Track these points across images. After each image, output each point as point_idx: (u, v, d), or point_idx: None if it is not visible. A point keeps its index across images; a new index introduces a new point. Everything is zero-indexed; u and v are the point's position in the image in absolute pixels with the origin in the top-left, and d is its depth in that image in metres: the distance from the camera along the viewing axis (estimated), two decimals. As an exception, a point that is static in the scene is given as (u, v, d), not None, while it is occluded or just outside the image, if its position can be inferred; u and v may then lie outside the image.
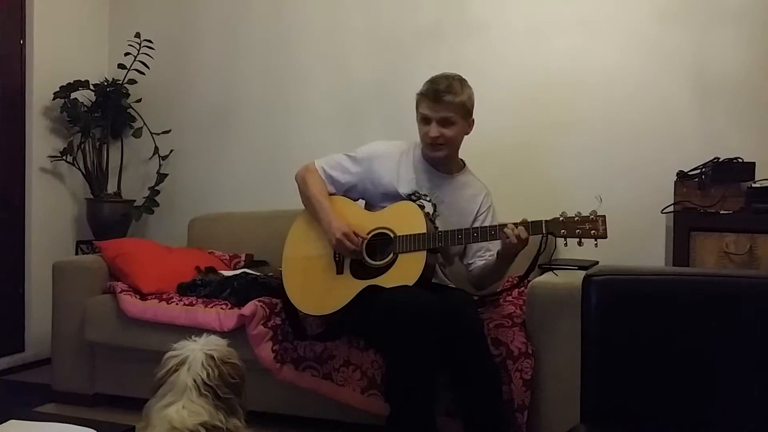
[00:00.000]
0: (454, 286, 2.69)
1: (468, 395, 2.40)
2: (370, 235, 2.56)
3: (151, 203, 3.88)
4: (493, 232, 2.41)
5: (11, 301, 3.70)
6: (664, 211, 2.94)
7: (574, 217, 2.33)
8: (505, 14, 3.44)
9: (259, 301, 2.79)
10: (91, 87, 3.85)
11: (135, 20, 4.03)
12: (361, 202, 2.79)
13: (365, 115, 3.66)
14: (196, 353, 1.94)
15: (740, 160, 2.87)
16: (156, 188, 3.90)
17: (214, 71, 3.96)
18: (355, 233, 2.53)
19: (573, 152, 3.33)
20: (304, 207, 2.77)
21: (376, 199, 2.72)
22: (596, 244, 2.31)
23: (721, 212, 2.79)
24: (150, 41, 3.80)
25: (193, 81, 3.99)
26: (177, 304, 2.93)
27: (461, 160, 2.78)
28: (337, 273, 2.58)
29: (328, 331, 2.66)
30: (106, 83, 3.88)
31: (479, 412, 2.38)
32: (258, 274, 3.10)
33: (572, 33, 3.34)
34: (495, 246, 2.50)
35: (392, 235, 2.52)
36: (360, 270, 2.55)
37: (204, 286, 3.03)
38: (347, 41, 3.70)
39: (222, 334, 2.46)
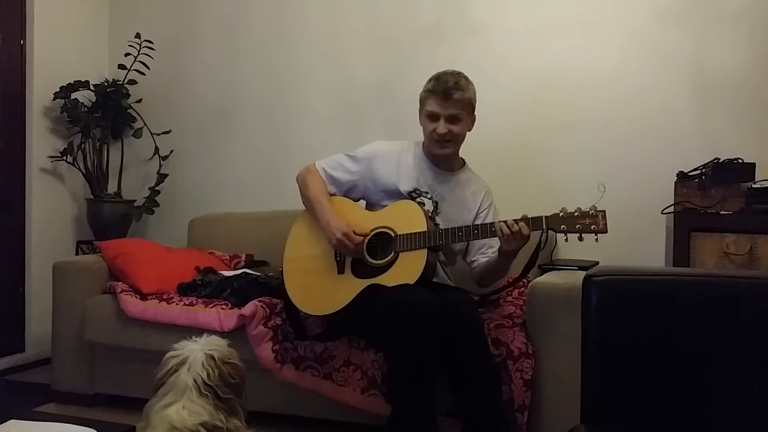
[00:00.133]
0: (455, 285, 2.70)
1: (468, 395, 2.40)
2: (371, 234, 2.56)
3: (151, 203, 3.88)
4: (494, 228, 2.41)
5: (11, 301, 3.70)
6: (664, 212, 2.94)
7: (574, 213, 2.34)
8: (504, 15, 3.44)
9: (259, 301, 2.79)
10: (92, 87, 3.85)
11: (135, 20, 4.03)
12: (362, 203, 2.79)
13: (365, 115, 3.66)
14: (196, 353, 1.94)
15: (740, 161, 2.87)
16: (156, 188, 3.90)
17: (214, 71, 3.96)
18: (355, 232, 2.54)
19: (573, 153, 3.33)
20: (304, 208, 2.77)
21: (377, 198, 2.72)
22: (596, 238, 2.32)
23: (722, 213, 2.79)
24: (150, 41, 3.80)
25: (193, 81, 4.00)
26: (177, 304, 2.93)
27: (461, 157, 2.79)
28: (339, 273, 2.59)
29: (329, 331, 2.66)
30: (106, 83, 3.88)
31: (479, 412, 2.38)
32: (258, 274, 3.10)
33: (572, 34, 3.34)
34: (497, 243, 2.50)
35: (393, 234, 2.52)
36: (361, 269, 2.55)
37: (204, 286, 3.03)
38: (347, 41, 3.71)
39: (222, 334, 2.46)
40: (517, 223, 2.36)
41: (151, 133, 3.88)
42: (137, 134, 3.89)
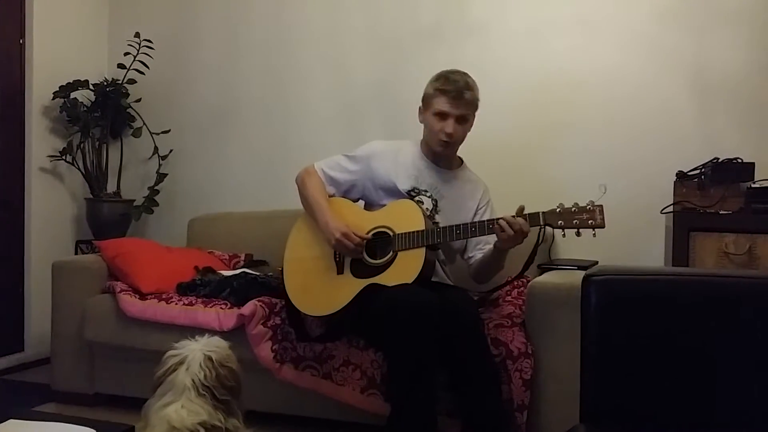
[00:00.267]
0: (454, 284, 2.70)
1: (468, 395, 2.40)
2: (370, 234, 2.56)
3: (150, 203, 3.88)
4: (491, 225, 2.41)
5: (11, 301, 3.70)
6: (663, 212, 2.94)
7: (571, 208, 2.34)
8: (504, 14, 3.44)
9: (258, 300, 2.79)
10: (91, 87, 3.85)
11: (135, 20, 4.03)
12: (361, 203, 2.79)
13: (365, 115, 3.66)
14: (195, 353, 1.94)
15: (740, 161, 2.87)
16: (155, 188, 3.90)
17: (214, 71, 3.96)
18: (354, 233, 2.54)
19: (573, 152, 3.33)
20: (303, 209, 2.77)
21: (376, 197, 2.72)
22: (594, 233, 2.32)
23: (721, 212, 2.79)
24: (150, 41, 3.80)
25: (193, 81, 3.99)
26: (176, 303, 2.93)
27: (459, 156, 2.79)
28: (338, 273, 2.59)
29: (329, 331, 2.66)
30: (105, 83, 3.87)
31: (479, 412, 2.38)
32: (257, 273, 3.09)
33: (572, 33, 3.34)
34: (494, 238, 2.50)
35: (391, 234, 2.52)
36: (360, 269, 2.55)
37: (204, 286, 3.03)
38: (347, 41, 3.70)
39: (221, 333, 2.46)
40: (515, 219, 2.36)
41: (150, 132, 3.88)
42: (137, 134, 3.89)
